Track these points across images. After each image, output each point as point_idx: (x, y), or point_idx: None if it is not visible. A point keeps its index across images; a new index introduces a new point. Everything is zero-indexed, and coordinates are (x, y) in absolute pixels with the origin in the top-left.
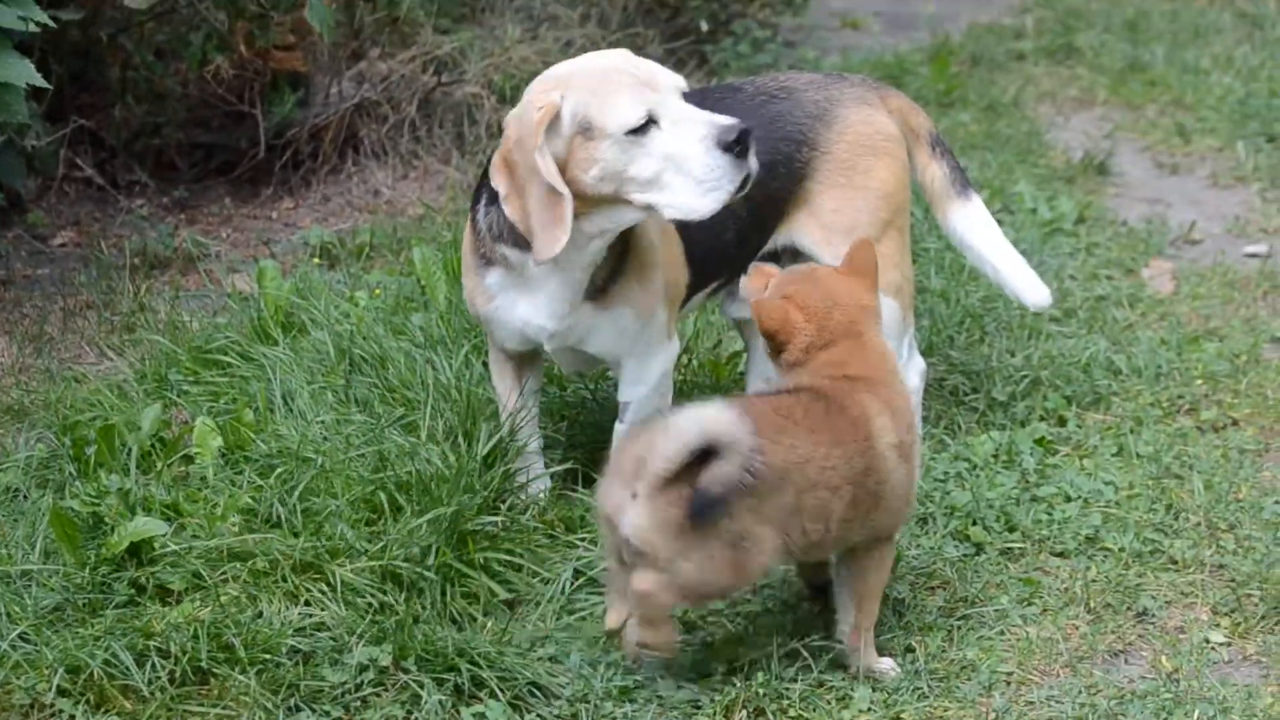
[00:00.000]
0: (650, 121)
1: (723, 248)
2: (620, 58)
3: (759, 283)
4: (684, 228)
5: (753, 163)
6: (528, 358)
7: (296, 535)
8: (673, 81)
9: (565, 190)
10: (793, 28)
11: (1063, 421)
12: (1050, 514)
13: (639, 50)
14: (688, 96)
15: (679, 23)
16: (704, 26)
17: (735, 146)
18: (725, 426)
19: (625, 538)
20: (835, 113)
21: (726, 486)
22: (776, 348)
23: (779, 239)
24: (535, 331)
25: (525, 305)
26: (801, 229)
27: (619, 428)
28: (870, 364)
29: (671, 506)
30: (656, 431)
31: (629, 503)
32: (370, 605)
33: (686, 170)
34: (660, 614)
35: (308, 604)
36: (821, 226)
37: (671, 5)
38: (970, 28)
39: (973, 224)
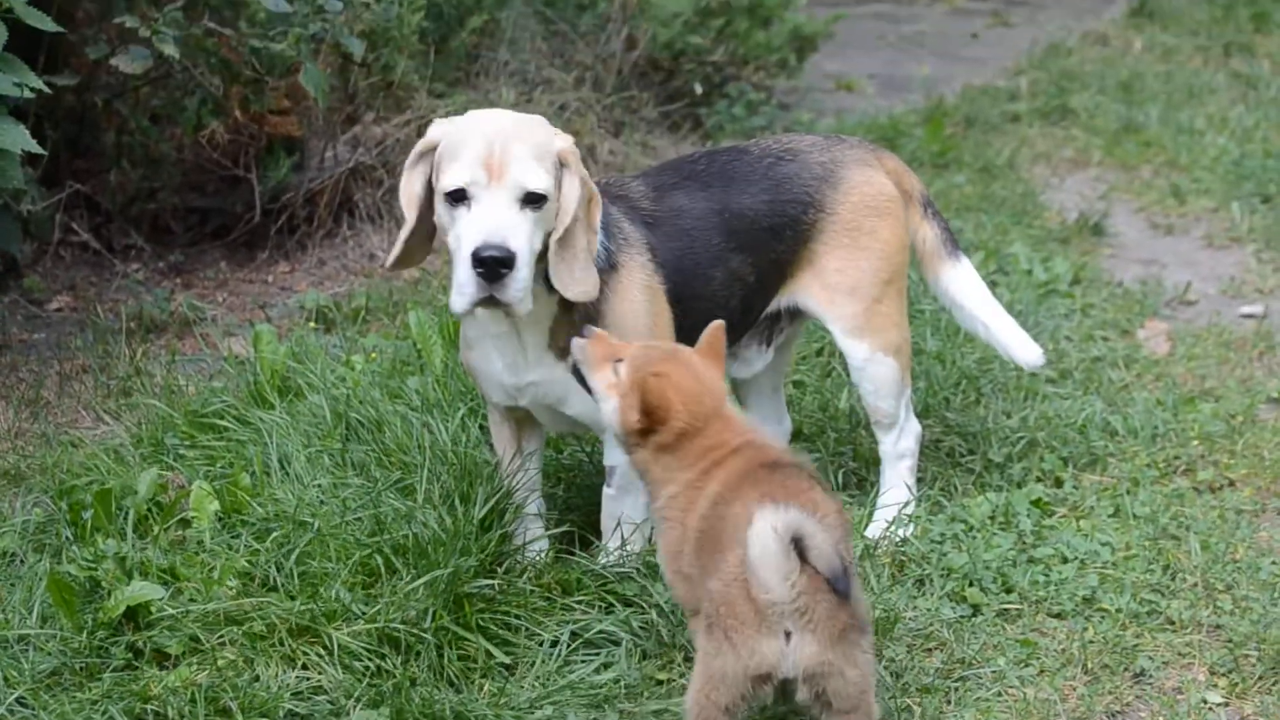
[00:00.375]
0: (462, 198)
1: (727, 316)
2: (516, 128)
3: (603, 350)
4: (684, 296)
5: (506, 294)
6: (524, 418)
7: (293, 599)
8: (518, 180)
9: (407, 214)
10: (787, 90)
11: (1059, 483)
12: (1047, 575)
13: (633, 113)
14: (696, 160)
15: (673, 85)
16: (698, 89)
17: (479, 267)
18: (786, 517)
19: (794, 676)
20: (840, 174)
21: (839, 554)
22: (649, 428)
23: (781, 300)
24: (509, 385)
25: (496, 356)
26: (805, 290)
27: (607, 491)
28: (748, 429)
29: (832, 619)
30: (752, 573)
31: (786, 644)
32: (367, 668)
33: (456, 262)
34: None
35: (305, 667)
36: (825, 287)
37: (666, 68)
38: (964, 90)
39: (963, 285)
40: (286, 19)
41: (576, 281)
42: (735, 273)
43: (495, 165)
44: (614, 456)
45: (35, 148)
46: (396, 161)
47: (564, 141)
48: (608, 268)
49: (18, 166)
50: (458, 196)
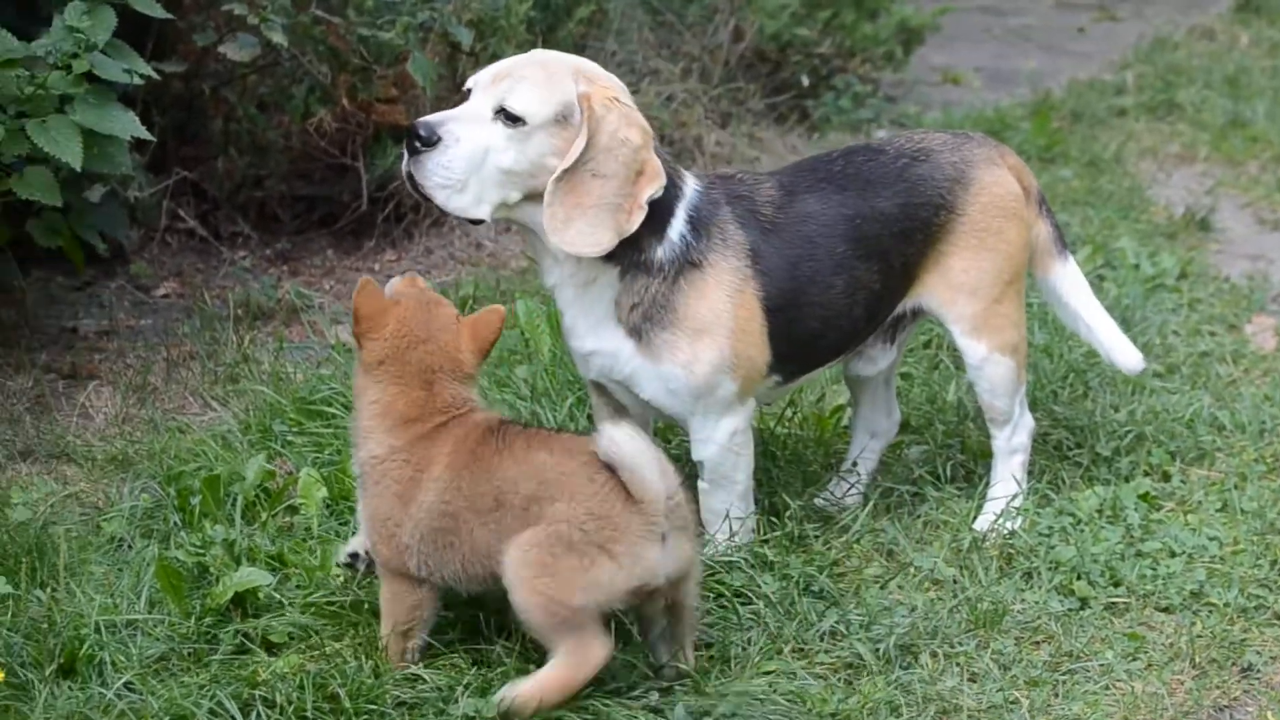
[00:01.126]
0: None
1: (850, 324)
2: (548, 59)
3: (406, 289)
4: (798, 303)
5: (420, 171)
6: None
7: None
8: (500, 92)
9: None
10: (893, 83)
11: (1167, 477)
12: (1155, 569)
13: (740, 105)
14: (833, 160)
15: (780, 77)
16: (805, 81)
17: (406, 137)
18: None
19: (662, 584)
20: (971, 174)
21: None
22: (358, 333)
23: (907, 302)
24: (576, 351)
25: (565, 313)
26: (930, 290)
27: (700, 485)
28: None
29: (690, 514)
30: (634, 473)
31: (662, 546)
32: (475, 656)
33: None
34: None
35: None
36: (949, 286)
37: (773, 60)
38: (1071, 84)
39: (1069, 284)
40: (395, 7)
41: (569, 229)
42: (860, 280)
43: (498, 76)
44: (701, 450)
45: (144, 134)
46: None
47: (596, 90)
48: (686, 263)
49: (126, 152)
50: (465, 94)
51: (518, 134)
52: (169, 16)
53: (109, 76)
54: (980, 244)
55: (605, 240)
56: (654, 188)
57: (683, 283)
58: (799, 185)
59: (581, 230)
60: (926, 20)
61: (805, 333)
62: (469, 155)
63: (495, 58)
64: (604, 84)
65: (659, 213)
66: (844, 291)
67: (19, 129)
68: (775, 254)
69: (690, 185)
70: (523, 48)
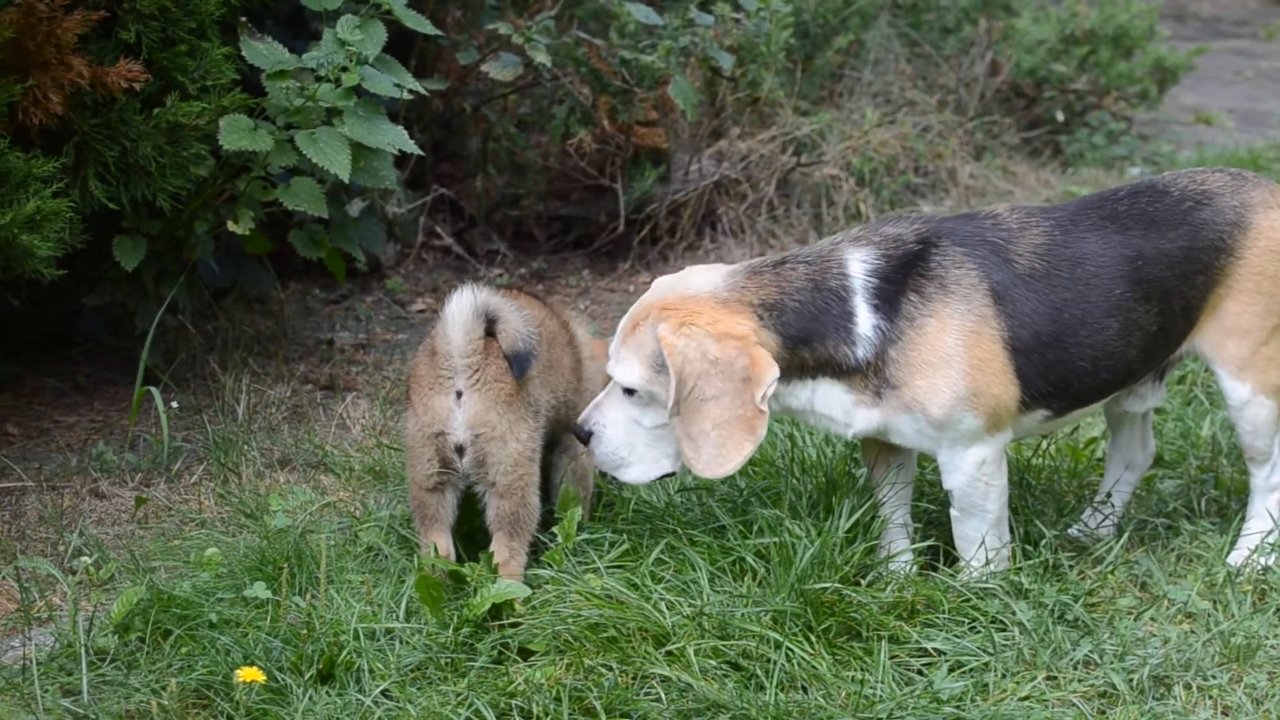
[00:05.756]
0: None
1: (1124, 365)
2: (645, 302)
3: None
4: (1061, 344)
5: (599, 465)
6: None
7: (662, 607)
8: (612, 372)
9: None
10: (1146, 121)
11: None
12: None
13: (994, 138)
14: (1119, 197)
15: (1035, 112)
16: (1059, 117)
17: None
18: (486, 295)
19: (464, 440)
20: (1250, 219)
21: (526, 342)
22: None
23: (1184, 345)
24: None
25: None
26: (1202, 333)
27: (952, 513)
28: None
29: (499, 382)
30: (440, 326)
31: (457, 404)
32: (725, 669)
33: None
34: None
35: (671, 663)
36: (1220, 329)
37: (1028, 94)
38: None
39: None
40: (657, 31)
41: (702, 457)
42: (1136, 323)
43: (618, 345)
44: (950, 479)
45: (413, 148)
46: (760, 177)
47: (671, 322)
48: (891, 341)
49: (390, 166)
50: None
51: (641, 399)
52: (438, 33)
53: (378, 90)
54: (1255, 288)
55: (739, 455)
56: (766, 384)
57: (893, 352)
58: (1080, 224)
59: (714, 454)
60: (1181, 60)
61: (1072, 372)
62: (619, 438)
63: (754, 84)
64: (681, 309)
65: (834, 326)
66: (1118, 334)
67: (287, 140)
68: (1033, 298)
69: (858, 271)
70: (781, 75)
